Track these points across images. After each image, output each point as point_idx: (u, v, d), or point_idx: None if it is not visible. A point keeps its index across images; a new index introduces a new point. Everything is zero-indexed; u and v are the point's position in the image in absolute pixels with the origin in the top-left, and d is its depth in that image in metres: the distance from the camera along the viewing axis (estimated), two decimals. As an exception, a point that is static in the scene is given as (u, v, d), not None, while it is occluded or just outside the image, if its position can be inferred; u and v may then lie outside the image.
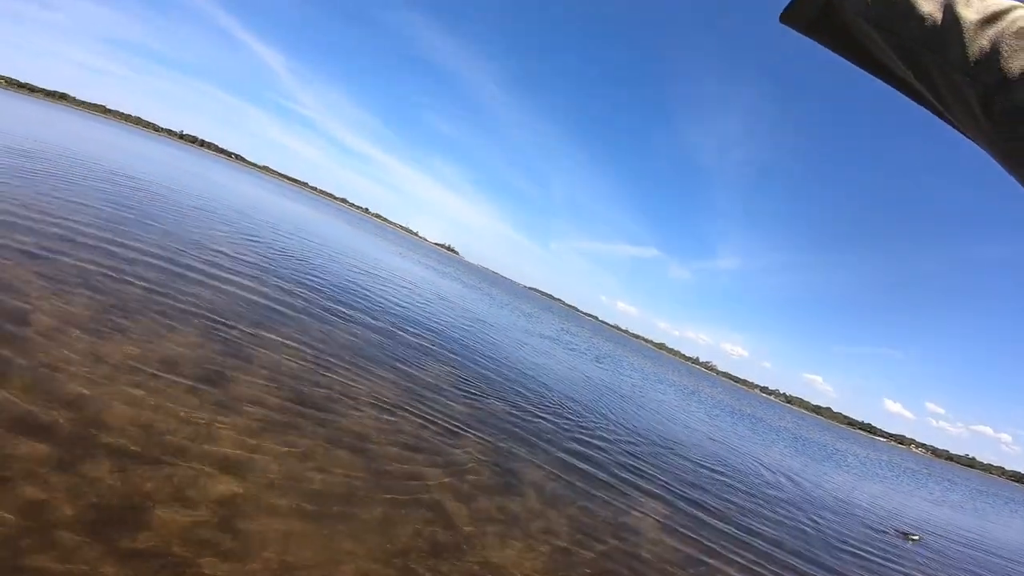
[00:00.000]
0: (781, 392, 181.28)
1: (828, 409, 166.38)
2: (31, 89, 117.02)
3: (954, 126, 0.66)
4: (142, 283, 6.12)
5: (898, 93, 0.74)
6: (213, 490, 3.01)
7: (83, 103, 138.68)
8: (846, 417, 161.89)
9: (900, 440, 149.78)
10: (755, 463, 11.81)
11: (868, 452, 41.67)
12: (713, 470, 9.21)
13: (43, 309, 4.42)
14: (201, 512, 2.79)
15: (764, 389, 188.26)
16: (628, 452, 8.01)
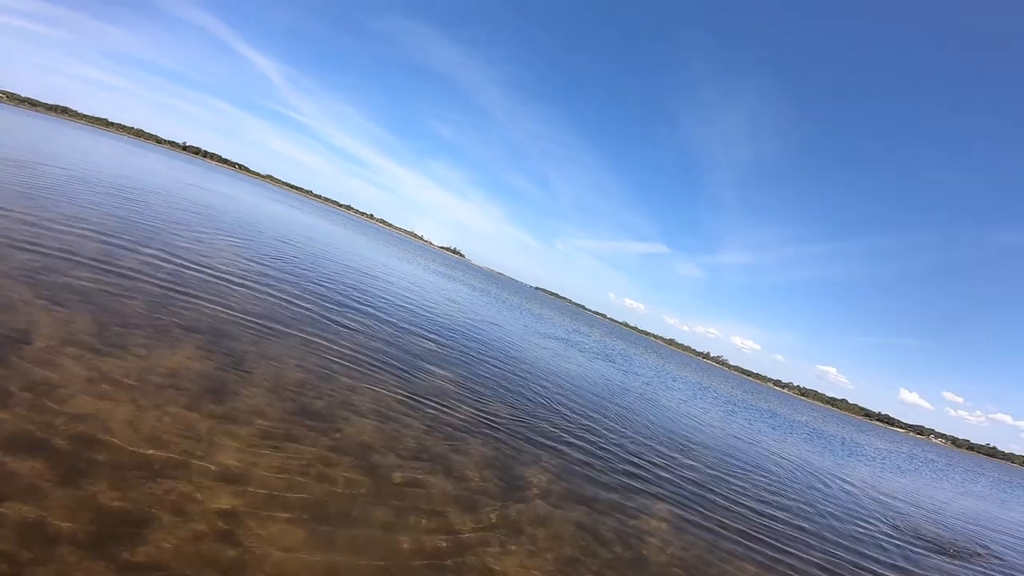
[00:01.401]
0: (795, 385, 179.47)
1: (844, 401, 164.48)
2: (32, 103, 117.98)
3: None
4: (143, 298, 6.17)
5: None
6: (213, 503, 3.02)
7: (85, 116, 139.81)
8: (862, 408, 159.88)
9: (919, 431, 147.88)
10: (781, 461, 11.71)
11: (888, 444, 41.25)
12: (751, 476, 9.14)
13: (43, 325, 4.46)
14: (201, 525, 2.80)
15: (778, 382, 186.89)
16: (637, 453, 7.97)
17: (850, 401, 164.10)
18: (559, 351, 18.25)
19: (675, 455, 8.87)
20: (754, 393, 57.37)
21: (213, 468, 3.34)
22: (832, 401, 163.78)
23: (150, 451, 3.26)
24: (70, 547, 2.37)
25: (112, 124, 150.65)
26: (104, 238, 8.42)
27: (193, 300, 6.78)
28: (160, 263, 8.04)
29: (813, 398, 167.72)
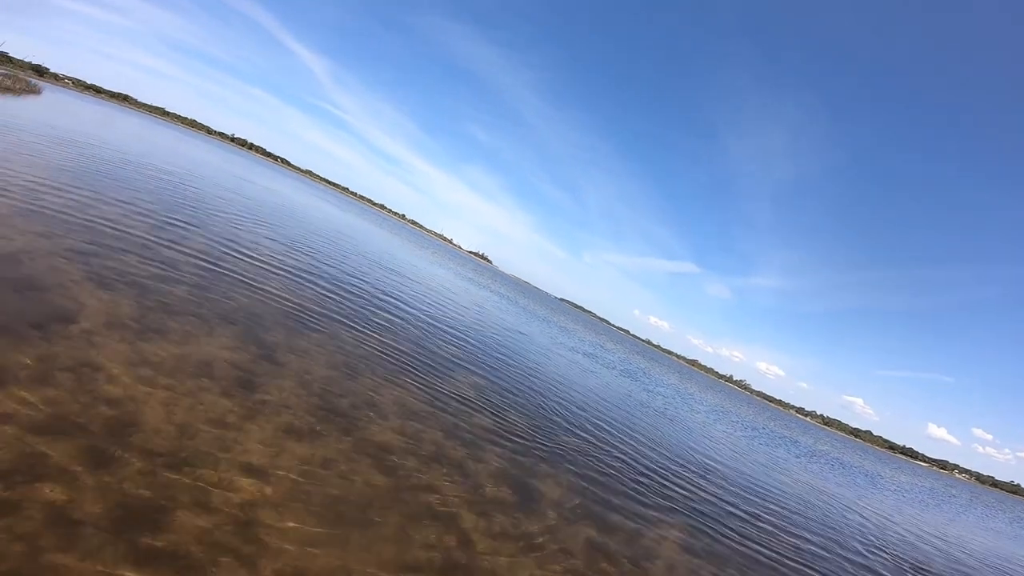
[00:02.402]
0: (819, 414, 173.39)
1: (868, 432, 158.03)
2: (97, 90, 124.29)
3: None
4: (185, 286, 6.38)
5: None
6: (235, 493, 3.07)
7: (144, 105, 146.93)
8: (886, 441, 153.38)
9: (943, 465, 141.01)
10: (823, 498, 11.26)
11: (911, 478, 39.33)
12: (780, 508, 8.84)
13: (89, 307, 4.65)
14: (222, 515, 2.85)
15: (800, 410, 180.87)
16: (655, 473, 7.78)
17: (874, 433, 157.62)
18: (583, 365, 18.07)
19: (692, 475, 8.63)
20: (776, 419, 55.59)
21: (238, 459, 3.40)
22: (856, 432, 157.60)
23: (179, 439, 3.34)
24: (94, 530, 2.44)
25: (168, 113, 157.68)
26: (154, 225, 8.77)
27: (232, 291, 6.99)
28: (204, 253, 8.31)
29: (836, 428, 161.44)
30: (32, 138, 13.40)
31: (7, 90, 32.87)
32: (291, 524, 3.03)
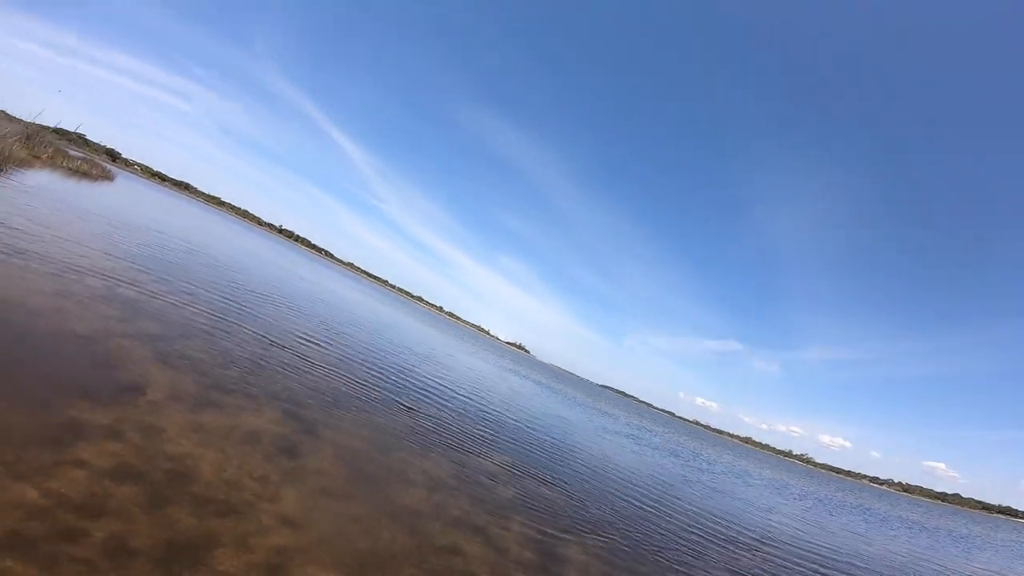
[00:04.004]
0: (896, 481, 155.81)
1: (956, 495, 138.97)
2: (162, 178, 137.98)
3: None
4: (238, 368, 7.00)
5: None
6: (270, 540, 3.33)
7: (203, 194, 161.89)
8: (979, 502, 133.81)
9: None
10: None
11: (1016, 536, 34.27)
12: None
13: (157, 380, 5.25)
14: (258, 554, 3.10)
15: (874, 479, 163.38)
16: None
17: (963, 496, 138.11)
18: (622, 444, 17.44)
19: (735, 547, 8.02)
20: (845, 490, 50.28)
21: (276, 511, 3.68)
22: (943, 496, 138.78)
23: (226, 491, 3.69)
24: (144, 560, 2.75)
25: (224, 203, 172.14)
26: (212, 314, 9.69)
27: (279, 374, 7.56)
28: (255, 340, 9.06)
29: (919, 494, 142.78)
30: (109, 226, 15.12)
31: (86, 175, 34.37)
32: (318, 570, 3.23)
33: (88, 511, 2.93)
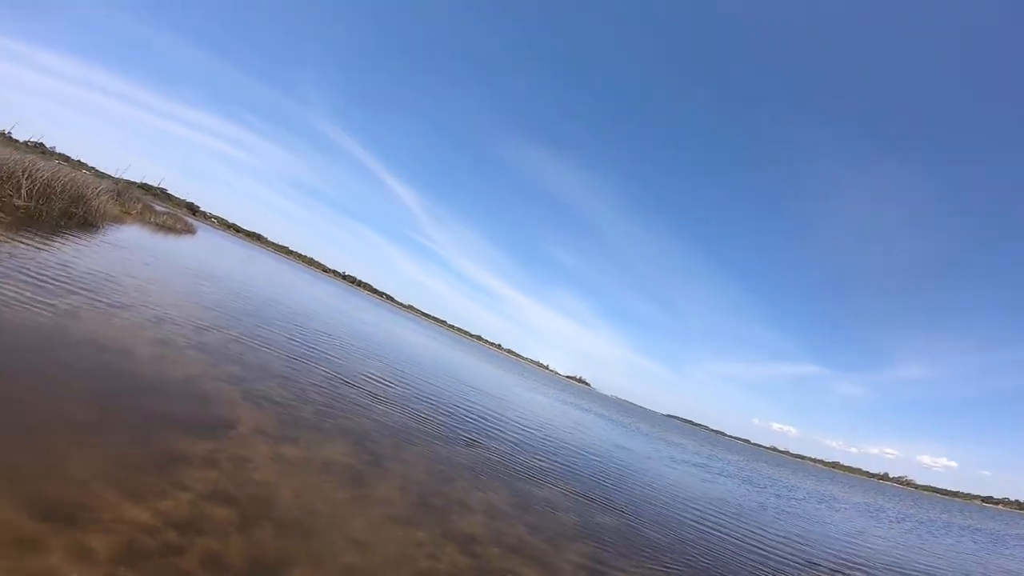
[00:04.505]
0: (1012, 499, 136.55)
1: None
2: (236, 229, 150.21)
3: None
4: (312, 406, 7.61)
5: None
6: (342, 560, 3.66)
7: (273, 244, 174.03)
8: None
9: None
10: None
11: None
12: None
13: (245, 418, 5.86)
14: (330, 573, 3.43)
15: (988, 499, 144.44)
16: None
17: None
18: (688, 472, 16.73)
19: (816, 570, 7.50)
20: (952, 511, 44.71)
21: (347, 534, 4.03)
22: None
23: (303, 515, 4.09)
24: (234, 575, 3.14)
25: (292, 252, 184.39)
26: (290, 359, 10.53)
27: (349, 412, 8.12)
28: (327, 381, 9.76)
29: None
30: (196, 278, 16.64)
31: (170, 229, 36.83)
32: (385, 589, 3.51)
33: (189, 529, 3.39)
